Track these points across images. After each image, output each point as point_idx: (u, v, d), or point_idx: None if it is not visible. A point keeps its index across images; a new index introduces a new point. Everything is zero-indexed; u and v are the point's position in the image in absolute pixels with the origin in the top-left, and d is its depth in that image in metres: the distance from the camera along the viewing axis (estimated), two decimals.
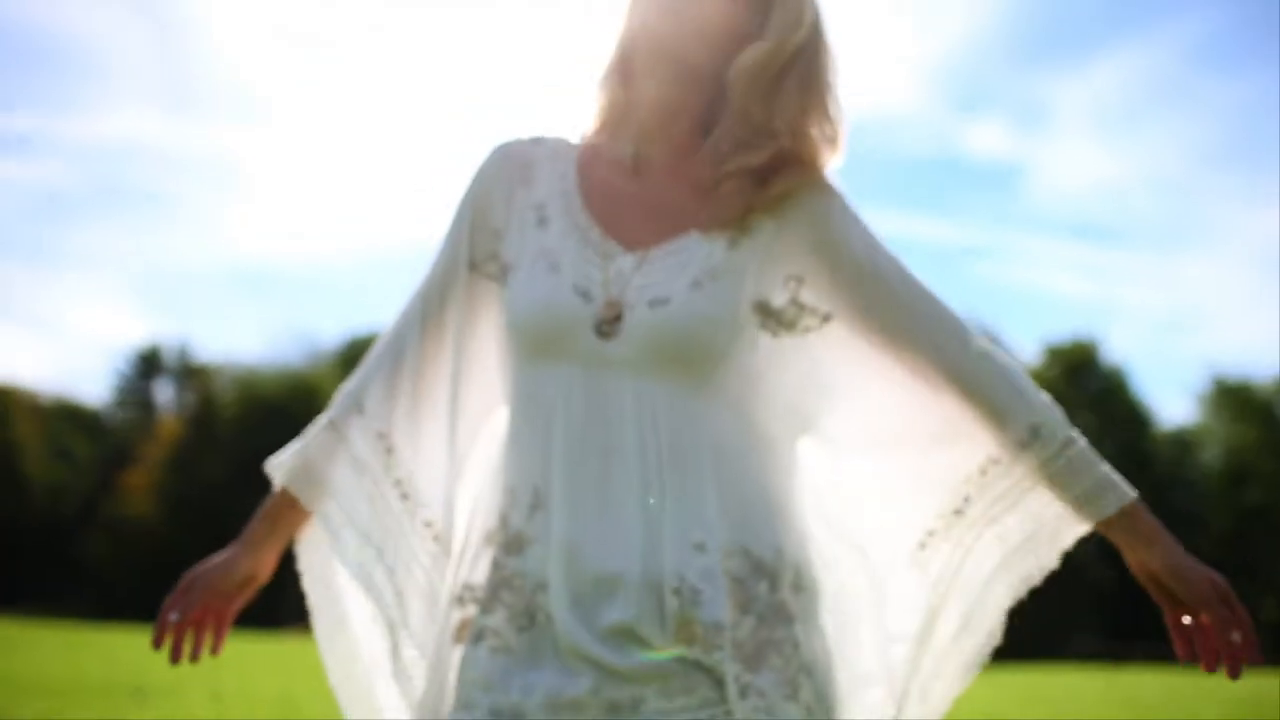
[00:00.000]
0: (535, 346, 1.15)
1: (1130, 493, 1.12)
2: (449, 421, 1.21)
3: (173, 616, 1.18)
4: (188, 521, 30.56)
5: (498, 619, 1.10)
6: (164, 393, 38.17)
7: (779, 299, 1.16)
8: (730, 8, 1.16)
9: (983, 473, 1.17)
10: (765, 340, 1.15)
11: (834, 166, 1.20)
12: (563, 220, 1.18)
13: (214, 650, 1.23)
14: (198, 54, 44.44)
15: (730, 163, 1.16)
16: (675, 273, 1.13)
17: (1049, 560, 1.17)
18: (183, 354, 37.82)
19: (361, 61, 45.35)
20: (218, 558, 1.24)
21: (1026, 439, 1.14)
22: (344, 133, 45.56)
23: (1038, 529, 1.16)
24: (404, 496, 1.21)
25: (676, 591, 1.06)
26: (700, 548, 1.07)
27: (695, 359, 1.11)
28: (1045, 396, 1.15)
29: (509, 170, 1.24)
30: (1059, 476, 1.13)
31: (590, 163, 1.22)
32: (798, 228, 1.17)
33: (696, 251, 1.14)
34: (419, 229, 46.44)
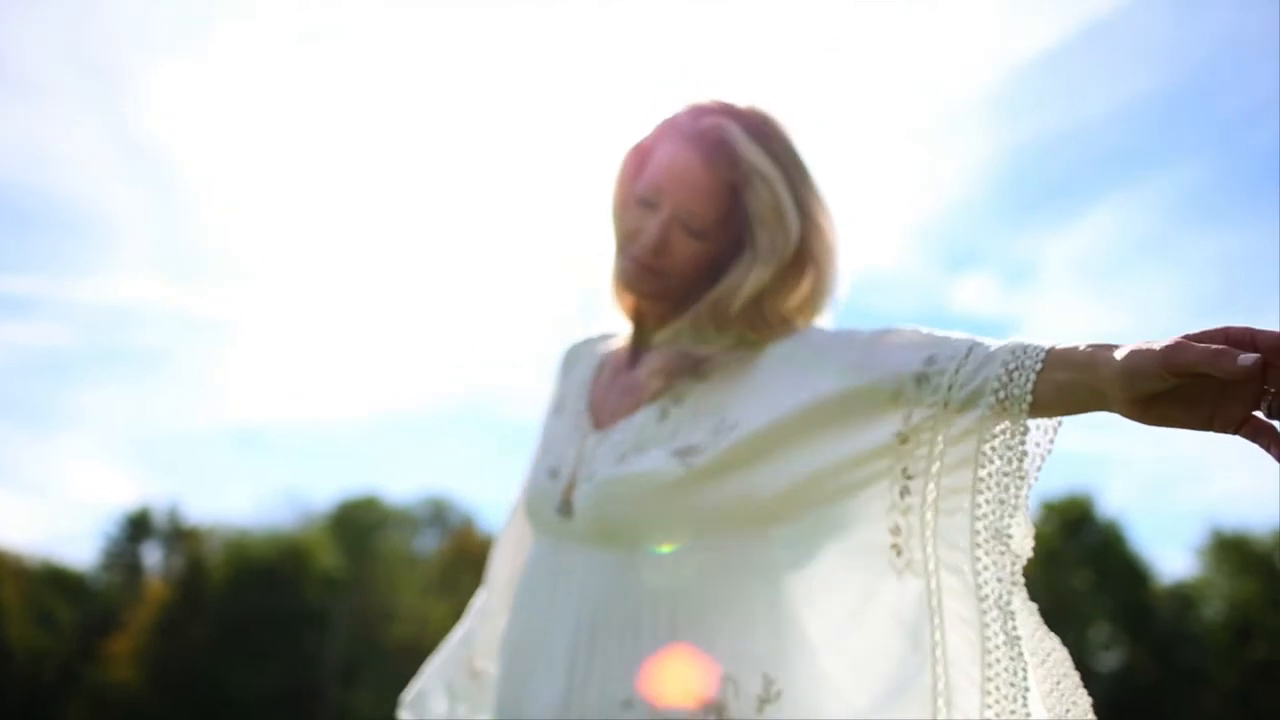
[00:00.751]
0: (530, 523, 1.27)
1: (1042, 346, 0.96)
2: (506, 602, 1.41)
3: None
4: (171, 688, 29.83)
5: None
6: (152, 555, 37.66)
7: (708, 448, 1.13)
8: (708, 246, 1.22)
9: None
10: (706, 488, 1.12)
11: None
12: (573, 407, 1.30)
13: None
14: (197, 219, 45.29)
15: (680, 346, 1.22)
16: (613, 448, 1.19)
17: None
18: (173, 516, 37.45)
19: (355, 230, 46.25)
20: None
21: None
22: (338, 299, 46.20)
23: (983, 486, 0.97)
24: (474, 675, 1.50)
25: None
26: (628, 704, 1.10)
27: (618, 530, 1.15)
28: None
29: (561, 370, 1.38)
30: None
31: (611, 353, 1.33)
32: (724, 379, 1.18)
33: (635, 424, 1.20)
34: (412, 394, 46.67)
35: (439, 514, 35.18)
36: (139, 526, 37.44)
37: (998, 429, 0.96)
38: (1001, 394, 0.96)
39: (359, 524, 32.73)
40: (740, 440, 1.09)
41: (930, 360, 1.01)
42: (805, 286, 1.23)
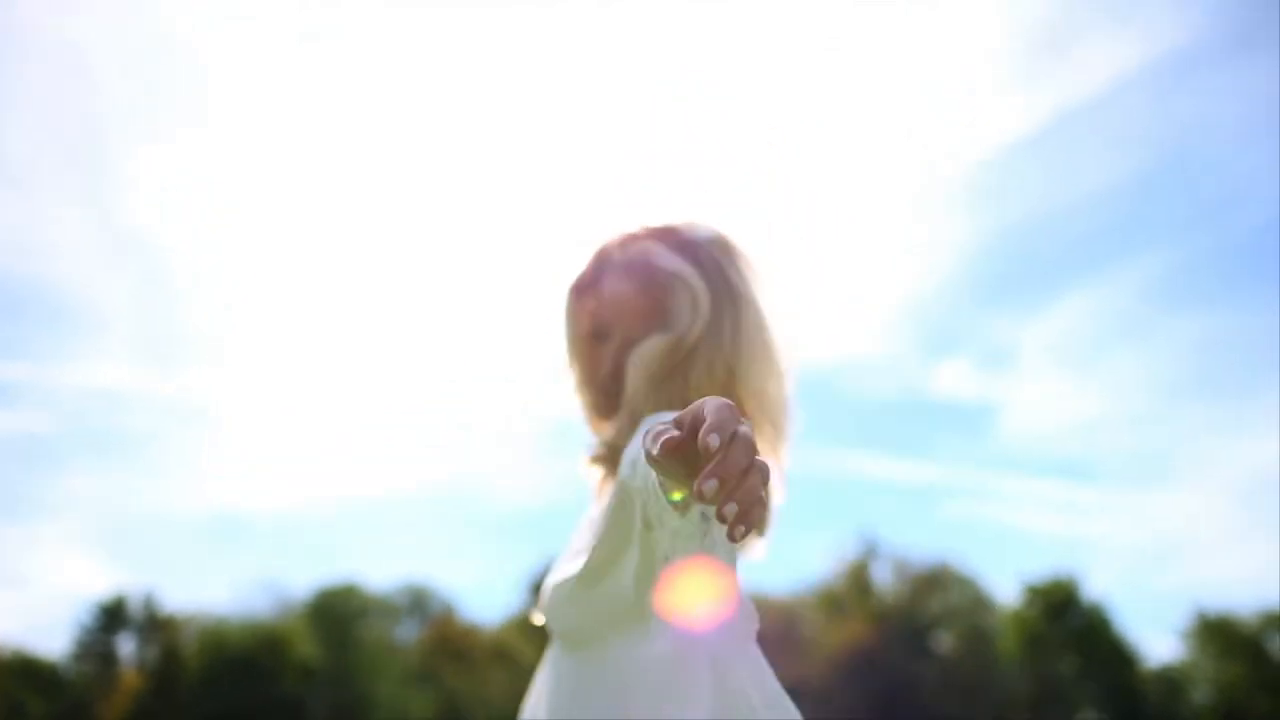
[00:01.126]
0: None
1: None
2: None
3: None
4: None
5: None
6: (126, 645, 37.00)
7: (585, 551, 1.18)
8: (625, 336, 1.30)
9: None
10: (593, 592, 1.15)
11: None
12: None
13: None
14: (177, 306, 45.32)
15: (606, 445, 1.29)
16: (566, 555, 1.23)
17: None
18: (149, 604, 36.90)
19: (336, 317, 46.33)
20: None
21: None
22: (318, 385, 46.11)
23: None
24: None
25: None
26: None
27: (561, 632, 1.20)
28: None
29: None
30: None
31: None
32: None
33: (580, 528, 1.25)
34: (392, 480, 46.37)
35: (419, 602, 34.79)
36: (113, 616, 36.84)
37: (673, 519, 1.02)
38: (655, 504, 1.01)
39: (338, 612, 32.31)
40: (594, 541, 1.13)
41: (632, 464, 1.06)
42: (718, 372, 1.27)
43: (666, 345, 1.26)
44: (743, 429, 0.77)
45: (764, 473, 0.77)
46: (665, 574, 1.04)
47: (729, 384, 1.27)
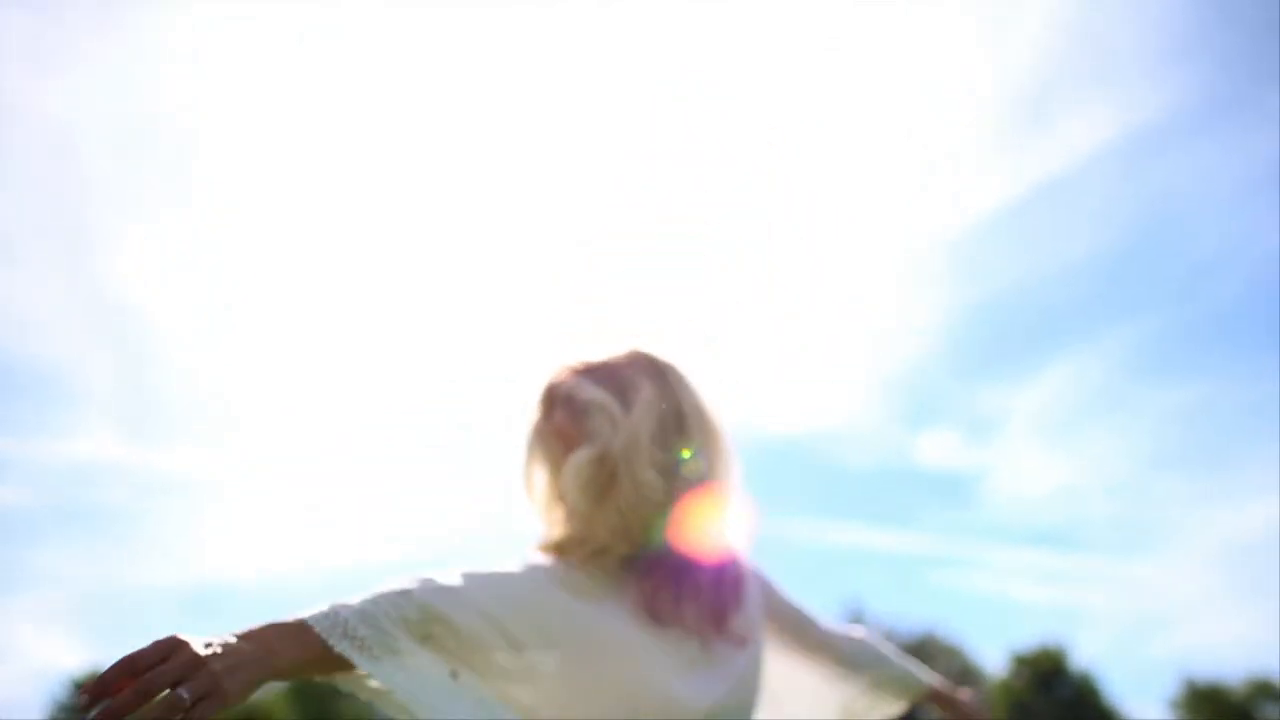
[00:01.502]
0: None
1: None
2: None
3: None
4: None
5: None
6: None
7: None
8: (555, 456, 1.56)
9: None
10: None
11: None
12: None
13: None
14: (158, 378, 45.14)
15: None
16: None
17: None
18: None
19: (319, 387, 46.22)
20: None
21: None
22: (300, 455, 45.88)
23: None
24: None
25: None
26: None
27: None
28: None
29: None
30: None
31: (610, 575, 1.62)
32: None
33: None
34: (375, 551, 45.96)
35: None
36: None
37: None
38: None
39: (320, 687, 31.81)
40: None
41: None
42: (651, 472, 1.51)
43: (591, 457, 1.50)
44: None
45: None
46: None
47: (667, 477, 1.51)
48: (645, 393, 1.54)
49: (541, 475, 1.58)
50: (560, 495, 1.55)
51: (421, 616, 1.27)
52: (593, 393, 1.54)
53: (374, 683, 1.21)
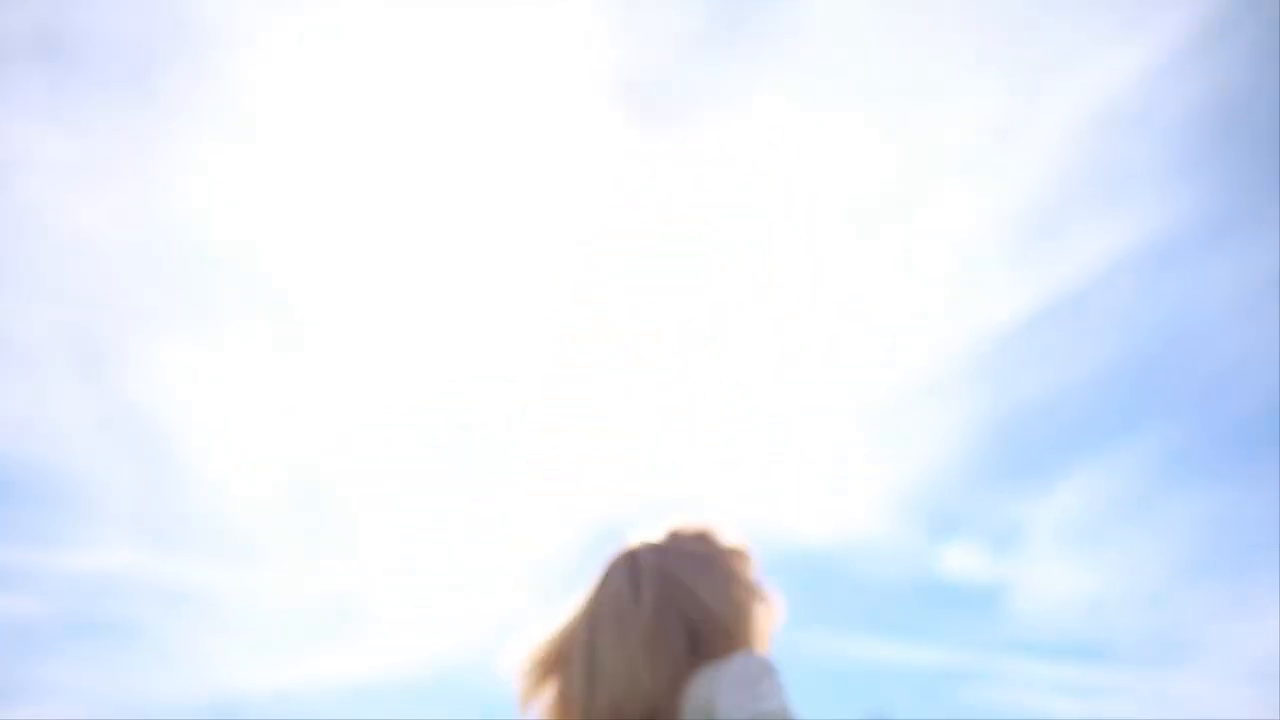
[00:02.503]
0: None
1: None
2: None
3: None
4: None
5: None
6: None
7: None
8: None
9: None
10: None
11: None
12: None
13: None
14: (179, 489, 45.08)
15: None
16: None
17: None
18: None
19: (331, 500, 46.10)
20: None
21: None
22: (318, 565, 45.49)
23: None
24: None
25: None
26: None
27: None
28: None
29: None
30: None
31: None
32: None
33: None
34: (400, 661, 45.23)
35: None
36: None
37: None
38: None
39: None
40: None
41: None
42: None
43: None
44: None
45: None
46: None
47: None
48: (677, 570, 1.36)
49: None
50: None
51: None
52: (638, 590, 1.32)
53: None
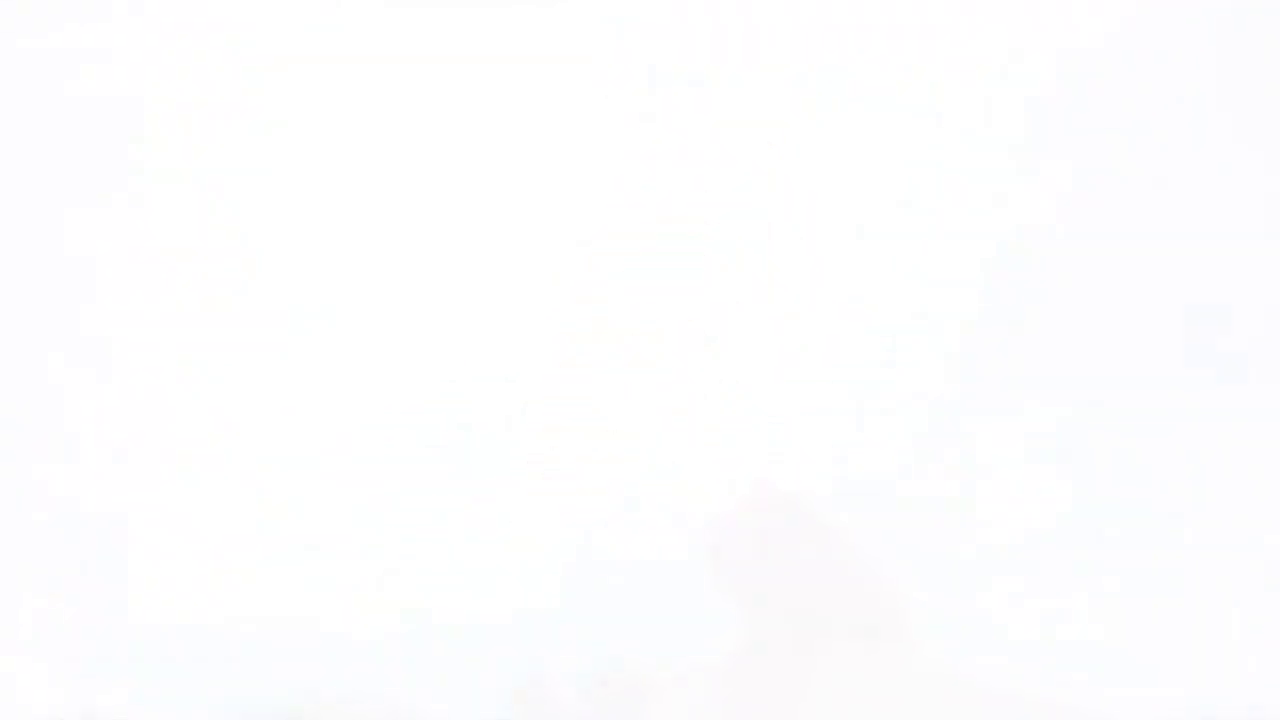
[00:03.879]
0: None
1: None
2: None
3: None
4: None
5: None
6: None
7: None
8: None
9: None
10: None
11: None
12: None
13: None
14: None
15: None
16: None
17: None
18: None
19: (330, 492, 45.86)
20: None
21: None
22: None
23: None
24: None
25: None
26: None
27: None
28: None
29: None
30: None
31: None
32: None
33: None
34: None
35: None
36: None
37: None
38: None
39: None
40: None
41: None
42: None
43: None
44: None
45: None
46: None
47: None
48: None
49: None
50: None
51: None
52: None
53: None
